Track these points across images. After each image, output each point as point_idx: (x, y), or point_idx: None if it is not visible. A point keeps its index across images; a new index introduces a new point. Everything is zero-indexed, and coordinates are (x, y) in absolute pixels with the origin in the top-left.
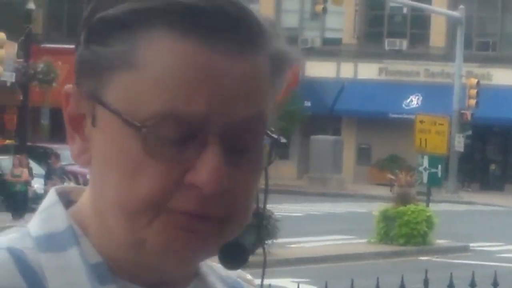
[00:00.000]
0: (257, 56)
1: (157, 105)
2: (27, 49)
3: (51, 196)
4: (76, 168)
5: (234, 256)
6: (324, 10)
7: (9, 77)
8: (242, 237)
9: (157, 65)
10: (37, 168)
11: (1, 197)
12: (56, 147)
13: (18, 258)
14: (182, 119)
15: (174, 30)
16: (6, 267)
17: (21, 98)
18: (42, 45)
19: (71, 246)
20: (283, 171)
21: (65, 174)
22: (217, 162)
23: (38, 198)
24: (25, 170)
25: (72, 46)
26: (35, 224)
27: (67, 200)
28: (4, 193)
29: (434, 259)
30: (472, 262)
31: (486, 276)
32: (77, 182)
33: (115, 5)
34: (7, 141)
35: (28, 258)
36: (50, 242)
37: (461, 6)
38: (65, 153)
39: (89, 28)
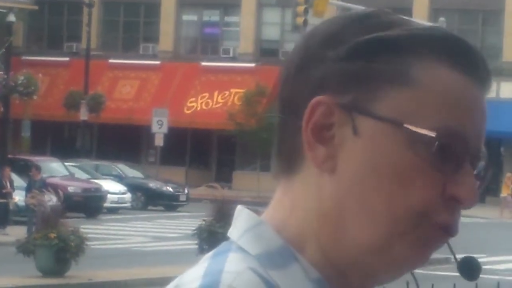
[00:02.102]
0: (486, 87)
1: (434, 121)
2: (7, 62)
3: (251, 215)
4: (56, 180)
5: (473, 269)
6: (305, 22)
7: None
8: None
9: (434, 87)
10: (18, 180)
11: None
12: (36, 159)
13: (261, 278)
14: (454, 138)
15: (446, 59)
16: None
17: (2, 110)
18: (23, 58)
19: (292, 263)
20: (264, 183)
21: (45, 187)
22: (474, 182)
23: (19, 210)
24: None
25: (52, 59)
26: (247, 242)
27: None
28: None
29: (415, 270)
30: (454, 274)
31: None
32: (57, 194)
33: (370, 32)
34: None
35: (264, 276)
36: (272, 260)
37: (442, 19)
38: (46, 166)
39: (358, 45)
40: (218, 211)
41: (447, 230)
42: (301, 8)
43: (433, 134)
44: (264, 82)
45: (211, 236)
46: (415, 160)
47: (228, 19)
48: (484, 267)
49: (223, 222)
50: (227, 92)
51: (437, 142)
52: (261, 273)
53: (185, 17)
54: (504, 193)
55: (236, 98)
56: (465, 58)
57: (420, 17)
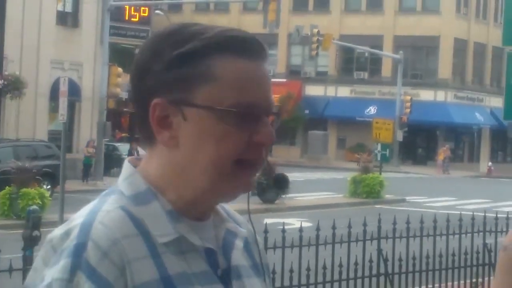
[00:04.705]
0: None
1: (231, 99)
2: None
3: (129, 168)
4: None
5: (284, 182)
6: (317, 54)
7: (124, 95)
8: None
9: (230, 76)
10: (141, 151)
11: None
12: None
13: (128, 213)
14: (247, 105)
15: (235, 53)
16: (124, 221)
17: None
18: None
19: (153, 200)
20: (291, 152)
21: None
22: (271, 128)
23: None
24: (92, 149)
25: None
26: (124, 187)
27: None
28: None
29: (384, 207)
30: (408, 208)
31: (416, 217)
32: None
33: (182, 46)
34: (123, 134)
35: (131, 212)
36: (138, 199)
37: (401, 52)
38: None
39: (169, 59)
40: (263, 170)
41: (257, 163)
42: (314, 45)
43: (229, 109)
44: (292, 90)
45: (259, 186)
46: (224, 128)
47: (270, 51)
48: (426, 204)
49: (266, 177)
50: None
51: (233, 114)
52: (129, 209)
53: None
54: (439, 159)
55: (275, 100)
56: (246, 48)
57: (388, 50)
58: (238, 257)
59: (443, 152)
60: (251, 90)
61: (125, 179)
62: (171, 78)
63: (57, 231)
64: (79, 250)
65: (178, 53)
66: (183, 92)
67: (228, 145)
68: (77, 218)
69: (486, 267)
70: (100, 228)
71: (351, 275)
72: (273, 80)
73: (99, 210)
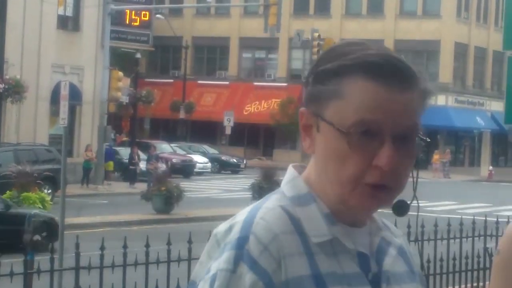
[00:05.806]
0: (412, 91)
1: (356, 117)
2: (135, 82)
3: (293, 172)
4: (165, 155)
5: (402, 209)
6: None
7: (125, 99)
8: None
9: (357, 96)
10: (142, 155)
11: (120, 172)
12: (153, 141)
13: (287, 212)
14: (370, 125)
15: (366, 76)
16: (283, 218)
17: (132, 111)
18: (145, 79)
19: (312, 203)
20: (292, 157)
21: (158, 159)
22: (391, 152)
23: (143, 173)
24: (91, 153)
25: (162, 80)
26: (286, 189)
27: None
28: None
29: (385, 211)
30: (409, 213)
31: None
32: (166, 163)
33: (330, 62)
34: (124, 138)
35: (290, 211)
36: (299, 200)
37: (401, 56)
38: (159, 146)
39: (315, 75)
40: (264, 174)
41: (376, 187)
42: (315, 49)
43: (344, 130)
44: (292, 95)
45: (260, 189)
46: (343, 147)
47: (271, 55)
48: (427, 208)
49: (267, 181)
50: (270, 101)
51: (352, 134)
52: (289, 209)
53: (245, 55)
54: (434, 162)
55: (275, 104)
56: (381, 73)
57: None
58: (390, 264)
59: (438, 155)
60: (374, 112)
61: (288, 182)
62: (314, 91)
63: (222, 227)
64: (241, 243)
65: (320, 70)
66: (319, 106)
67: (346, 165)
68: (241, 214)
69: (487, 271)
70: (262, 223)
71: None
72: (273, 84)
73: (261, 208)
